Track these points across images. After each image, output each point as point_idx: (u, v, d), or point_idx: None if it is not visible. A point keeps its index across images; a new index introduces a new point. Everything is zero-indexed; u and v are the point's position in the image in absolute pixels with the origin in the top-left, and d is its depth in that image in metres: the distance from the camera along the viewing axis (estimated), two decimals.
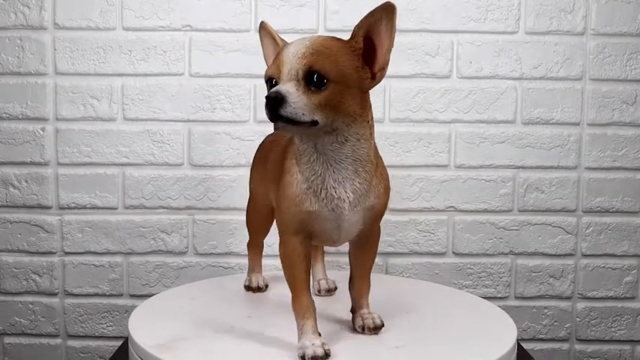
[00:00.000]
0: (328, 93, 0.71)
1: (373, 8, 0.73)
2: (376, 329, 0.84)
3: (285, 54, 0.72)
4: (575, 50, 1.29)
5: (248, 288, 1.06)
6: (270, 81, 0.74)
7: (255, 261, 1.09)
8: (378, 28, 0.73)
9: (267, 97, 0.70)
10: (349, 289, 0.87)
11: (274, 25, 1.28)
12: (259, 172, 0.96)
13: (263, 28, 0.83)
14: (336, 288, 1.04)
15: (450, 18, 1.28)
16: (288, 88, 0.70)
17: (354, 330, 0.86)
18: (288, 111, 0.69)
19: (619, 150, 1.32)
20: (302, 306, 0.78)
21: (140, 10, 1.27)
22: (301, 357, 0.75)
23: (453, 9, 1.28)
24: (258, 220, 1.03)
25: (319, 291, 1.03)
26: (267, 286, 1.07)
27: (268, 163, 0.89)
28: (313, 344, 0.75)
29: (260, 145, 1.01)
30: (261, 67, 1.28)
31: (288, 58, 0.72)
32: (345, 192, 0.76)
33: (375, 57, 0.74)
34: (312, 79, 0.71)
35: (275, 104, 0.69)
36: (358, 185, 0.77)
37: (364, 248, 0.85)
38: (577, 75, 1.30)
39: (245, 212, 1.06)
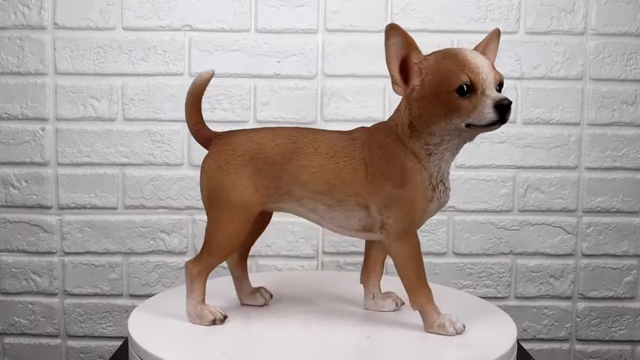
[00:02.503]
0: None
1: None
2: None
3: (480, 64, 0.79)
4: (575, 50, 1.29)
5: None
6: (463, 86, 0.78)
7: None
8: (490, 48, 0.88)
9: (508, 103, 0.77)
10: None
11: (274, 24, 1.28)
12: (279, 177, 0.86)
13: (395, 28, 0.82)
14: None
15: (450, 18, 1.28)
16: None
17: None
18: (509, 115, 0.78)
19: (619, 150, 1.32)
20: (429, 292, 0.85)
21: (140, 10, 1.27)
22: (452, 331, 0.83)
23: (453, 9, 1.28)
24: (245, 234, 0.88)
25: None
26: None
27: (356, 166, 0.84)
28: (450, 320, 0.84)
29: (242, 148, 0.86)
30: (261, 68, 1.29)
31: (485, 68, 0.79)
32: (449, 183, 0.86)
33: None
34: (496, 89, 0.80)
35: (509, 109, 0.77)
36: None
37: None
38: (577, 75, 1.30)
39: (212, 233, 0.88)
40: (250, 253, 1.32)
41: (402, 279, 0.85)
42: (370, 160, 0.83)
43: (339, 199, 0.84)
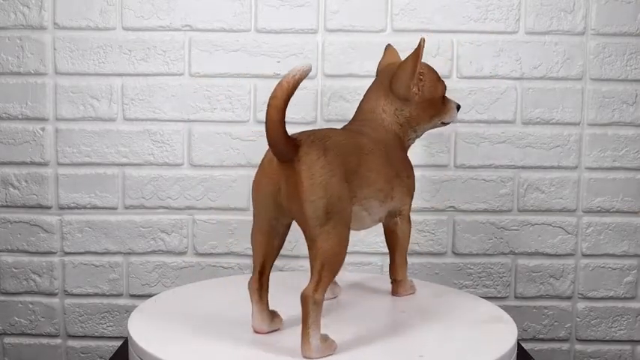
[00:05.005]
0: None
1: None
2: None
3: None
4: (575, 50, 1.29)
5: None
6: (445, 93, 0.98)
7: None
8: None
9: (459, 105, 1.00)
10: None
11: (274, 24, 1.28)
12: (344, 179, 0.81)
13: (424, 40, 0.94)
14: None
15: (450, 18, 1.28)
16: None
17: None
18: None
19: (619, 150, 1.32)
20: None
21: (140, 10, 1.27)
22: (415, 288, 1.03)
23: (453, 9, 1.28)
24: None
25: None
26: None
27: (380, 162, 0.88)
28: (412, 280, 1.04)
29: (335, 152, 0.79)
30: (261, 68, 1.29)
31: None
32: None
33: None
34: None
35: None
36: None
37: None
38: (577, 75, 1.30)
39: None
40: (251, 254, 1.33)
41: (400, 253, 0.98)
42: (392, 155, 0.91)
43: (388, 194, 0.89)
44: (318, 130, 0.83)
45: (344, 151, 0.80)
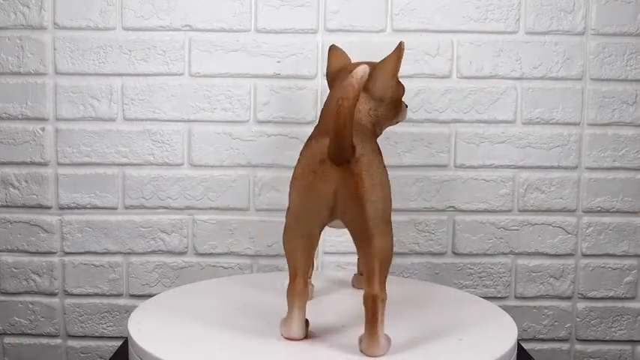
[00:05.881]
0: None
1: None
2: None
3: None
4: (575, 50, 1.29)
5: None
6: None
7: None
8: None
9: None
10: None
11: (274, 24, 1.28)
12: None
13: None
14: None
15: (450, 18, 1.28)
16: None
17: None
18: None
19: (619, 150, 1.32)
20: None
21: (140, 10, 1.27)
22: None
23: (453, 9, 1.28)
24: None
25: None
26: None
27: None
28: None
29: None
30: (261, 68, 1.29)
31: None
32: None
33: None
34: None
35: None
36: None
37: None
38: (577, 75, 1.30)
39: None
40: (251, 254, 1.33)
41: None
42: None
43: None
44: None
45: None
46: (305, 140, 0.83)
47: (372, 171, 0.77)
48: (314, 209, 0.79)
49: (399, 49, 0.90)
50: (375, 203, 0.76)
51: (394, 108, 0.95)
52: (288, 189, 0.81)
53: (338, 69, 0.97)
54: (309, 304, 0.83)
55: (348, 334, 0.84)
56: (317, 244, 0.83)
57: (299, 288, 0.81)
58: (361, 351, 0.78)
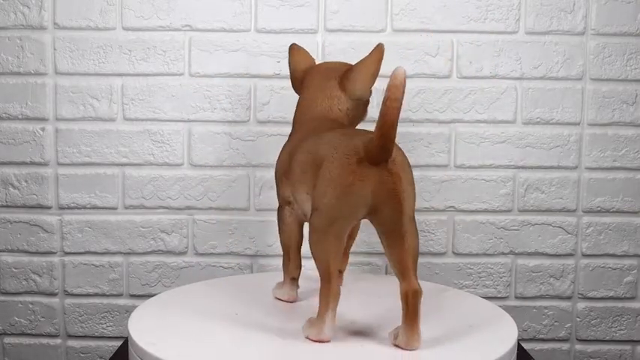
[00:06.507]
0: None
1: None
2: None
3: None
4: (575, 50, 1.29)
5: None
6: None
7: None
8: None
9: None
10: None
11: (274, 24, 1.28)
12: None
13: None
14: None
15: (450, 18, 1.28)
16: None
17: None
18: None
19: (619, 150, 1.32)
20: None
21: (140, 10, 1.27)
22: None
23: (453, 9, 1.28)
24: None
25: None
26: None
27: None
28: None
29: None
30: (261, 68, 1.29)
31: None
32: None
33: None
34: None
35: None
36: None
37: None
38: (577, 75, 1.30)
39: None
40: (251, 253, 1.33)
41: None
42: None
43: None
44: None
45: None
46: None
47: (406, 170, 0.80)
48: (353, 210, 0.78)
49: (379, 50, 0.91)
50: (409, 201, 0.78)
51: (364, 108, 0.97)
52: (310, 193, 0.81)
53: (304, 69, 0.98)
54: (296, 306, 0.83)
55: (365, 332, 0.85)
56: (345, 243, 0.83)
57: (335, 290, 0.79)
58: (396, 345, 0.79)
